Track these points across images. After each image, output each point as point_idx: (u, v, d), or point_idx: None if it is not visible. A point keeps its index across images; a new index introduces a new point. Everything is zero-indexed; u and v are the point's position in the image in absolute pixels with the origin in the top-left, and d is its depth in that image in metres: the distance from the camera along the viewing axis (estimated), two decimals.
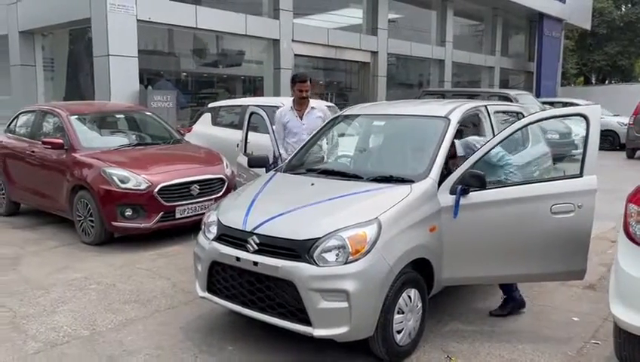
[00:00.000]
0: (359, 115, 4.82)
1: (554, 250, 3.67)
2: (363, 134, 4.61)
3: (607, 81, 38.32)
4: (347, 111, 4.80)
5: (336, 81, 17.13)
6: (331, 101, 14.90)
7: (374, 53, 14.93)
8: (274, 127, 5.31)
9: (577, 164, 3.64)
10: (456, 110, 4.16)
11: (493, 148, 3.72)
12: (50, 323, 4.06)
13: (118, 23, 9.24)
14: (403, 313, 3.39)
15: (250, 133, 7.38)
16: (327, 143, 4.64)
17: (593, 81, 38.90)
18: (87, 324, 4.03)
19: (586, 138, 3.62)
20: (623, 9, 35.02)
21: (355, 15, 15.27)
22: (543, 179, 4.06)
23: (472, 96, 13.80)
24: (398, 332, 3.39)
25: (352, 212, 3.39)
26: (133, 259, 5.63)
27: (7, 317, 4.19)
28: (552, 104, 17.85)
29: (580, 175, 3.61)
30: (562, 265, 3.73)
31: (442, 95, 14.53)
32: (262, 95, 12.37)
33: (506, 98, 13.20)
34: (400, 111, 4.66)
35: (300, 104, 5.33)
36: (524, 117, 5.15)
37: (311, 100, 5.38)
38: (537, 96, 20.47)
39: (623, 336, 3.21)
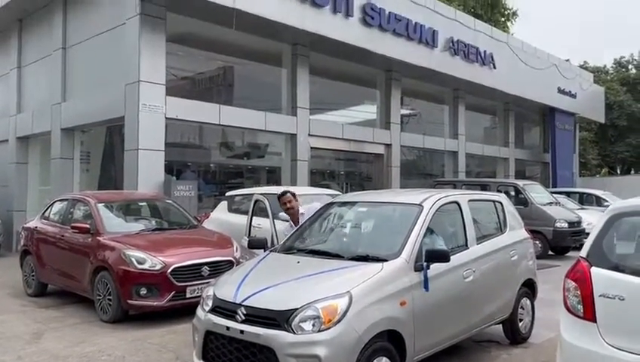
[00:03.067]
0: (347, 202, 5.41)
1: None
2: (348, 218, 5.16)
3: (632, 172, 38.50)
4: (337, 199, 5.41)
5: (353, 171, 17.92)
6: (348, 190, 15.65)
7: (388, 146, 15.75)
8: None
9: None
10: (430, 198, 4.71)
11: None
12: None
13: (148, 120, 10.25)
14: None
15: (263, 219, 8.06)
16: (317, 227, 5.18)
17: (618, 172, 39.12)
18: None
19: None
20: None
21: (369, 110, 16.29)
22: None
23: (483, 186, 14.36)
24: None
25: (327, 286, 3.86)
26: (144, 334, 6.09)
27: None
28: (568, 194, 18.25)
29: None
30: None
31: (453, 185, 15.12)
32: (280, 185, 13.12)
33: (515, 188, 13.74)
34: (381, 198, 5.26)
35: (291, 214, 6.03)
36: (501, 205, 5.68)
37: (300, 208, 6.04)
38: (554, 186, 20.87)
39: None
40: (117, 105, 10.64)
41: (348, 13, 12.47)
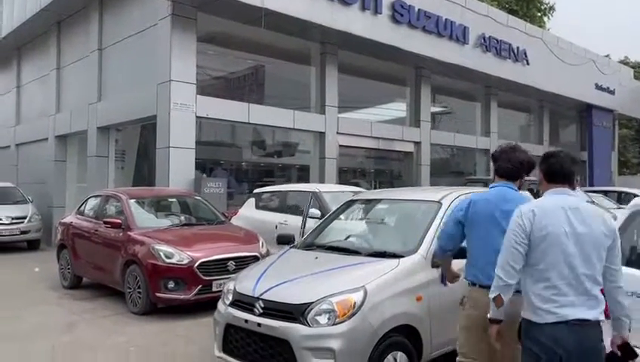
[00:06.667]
0: (366, 199, 5.46)
1: None
2: (367, 215, 5.21)
3: None
4: (357, 196, 5.46)
5: (383, 170, 17.86)
6: (378, 188, 15.63)
7: (417, 143, 15.66)
8: None
9: None
10: (449, 196, 4.71)
11: None
12: None
13: (179, 119, 10.49)
14: None
15: (290, 216, 8.23)
16: (337, 223, 5.24)
17: None
18: None
19: None
20: None
21: (399, 108, 16.21)
22: None
23: None
24: None
25: (343, 280, 3.92)
26: (171, 326, 6.28)
27: None
28: (605, 193, 17.77)
29: None
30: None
31: (485, 183, 14.93)
32: (309, 182, 13.21)
33: None
34: (401, 196, 5.28)
35: None
36: None
37: None
38: (591, 185, 20.33)
39: None
40: (149, 104, 10.92)
41: (377, 11, 12.44)
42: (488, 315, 2.96)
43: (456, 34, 14.48)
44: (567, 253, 2.65)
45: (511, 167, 3.53)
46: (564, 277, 2.64)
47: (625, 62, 32.49)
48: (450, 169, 19.40)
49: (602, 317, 2.70)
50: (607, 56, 26.04)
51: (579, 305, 2.62)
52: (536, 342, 2.67)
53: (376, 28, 12.53)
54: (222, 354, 4.26)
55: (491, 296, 2.86)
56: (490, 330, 2.96)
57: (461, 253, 4.16)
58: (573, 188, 2.91)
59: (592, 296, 2.66)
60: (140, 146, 13.68)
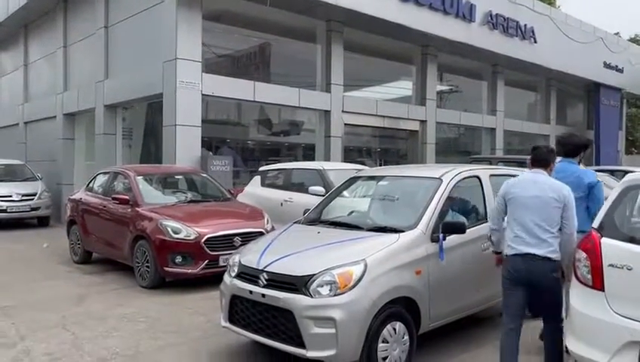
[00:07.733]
0: (369, 176, 5.56)
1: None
2: (369, 192, 5.31)
3: None
4: (359, 173, 5.57)
5: (389, 148, 17.91)
6: (383, 166, 15.68)
7: (423, 122, 15.66)
8: None
9: None
10: (449, 173, 4.80)
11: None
12: (103, 344, 4.89)
13: (185, 97, 10.57)
14: (388, 342, 3.93)
15: (294, 193, 8.35)
16: (340, 199, 5.35)
17: None
18: (133, 347, 4.83)
19: (483, 194, 5.00)
20: None
21: (405, 87, 16.18)
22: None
23: (520, 163, 14.14)
24: (384, 359, 3.92)
25: (344, 254, 4.05)
26: (178, 299, 6.46)
27: (70, 338, 5.07)
28: (612, 172, 17.70)
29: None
30: None
31: (489, 161, 14.95)
32: (314, 160, 13.28)
33: None
34: (402, 173, 5.39)
35: None
36: None
37: None
38: (597, 163, 20.28)
39: None
40: (155, 82, 10.99)
41: None
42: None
43: (462, 11, 14.39)
44: (526, 210, 3.82)
45: (571, 147, 4.80)
46: (523, 225, 3.82)
47: (635, 40, 32.06)
48: (457, 148, 19.41)
49: (552, 255, 3.74)
50: (616, 34, 25.69)
51: (531, 245, 3.77)
52: (506, 268, 3.91)
53: (382, 5, 12.47)
54: (228, 324, 4.42)
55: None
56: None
57: (455, 228, 4.31)
58: (550, 170, 4.03)
59: (542, 240, 3.76)
60: (147, 124, 13.78)
